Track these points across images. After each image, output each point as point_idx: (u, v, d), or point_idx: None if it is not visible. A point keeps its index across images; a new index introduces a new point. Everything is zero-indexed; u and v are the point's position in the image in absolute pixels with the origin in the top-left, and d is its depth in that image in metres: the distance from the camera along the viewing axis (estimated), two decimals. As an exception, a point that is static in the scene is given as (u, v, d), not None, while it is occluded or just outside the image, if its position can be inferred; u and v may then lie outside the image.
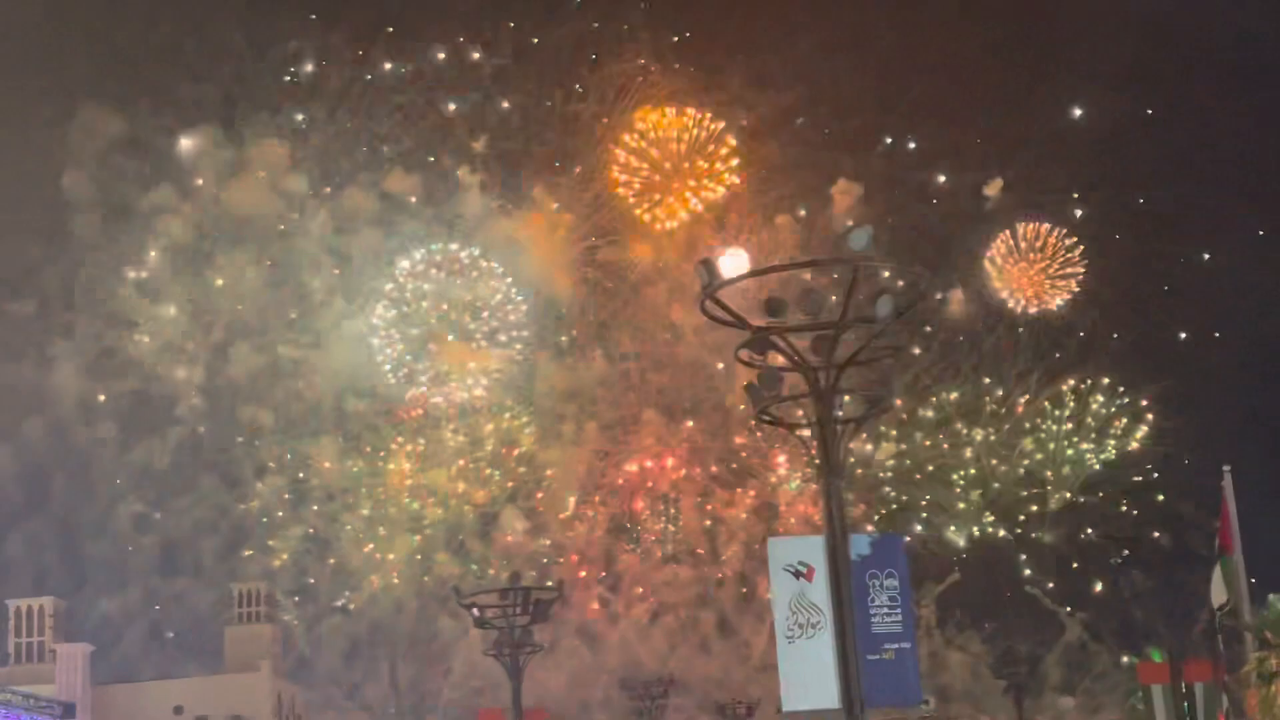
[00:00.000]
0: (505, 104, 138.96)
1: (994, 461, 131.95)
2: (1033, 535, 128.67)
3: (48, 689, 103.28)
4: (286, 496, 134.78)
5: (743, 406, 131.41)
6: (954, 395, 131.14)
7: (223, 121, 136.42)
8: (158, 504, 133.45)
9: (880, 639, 33.99)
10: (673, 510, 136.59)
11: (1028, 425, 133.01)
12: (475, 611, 50.91)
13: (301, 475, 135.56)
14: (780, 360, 33.56)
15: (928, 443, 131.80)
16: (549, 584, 63.25)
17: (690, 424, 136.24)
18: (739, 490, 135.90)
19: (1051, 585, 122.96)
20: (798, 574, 33.91)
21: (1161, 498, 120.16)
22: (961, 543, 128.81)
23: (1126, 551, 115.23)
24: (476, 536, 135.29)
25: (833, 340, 33.37)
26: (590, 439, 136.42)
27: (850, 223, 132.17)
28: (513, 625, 49.22)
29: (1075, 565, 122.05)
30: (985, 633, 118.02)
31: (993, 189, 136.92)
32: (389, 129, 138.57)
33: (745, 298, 34.41)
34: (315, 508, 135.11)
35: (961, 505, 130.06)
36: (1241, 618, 61.19)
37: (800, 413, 34.72)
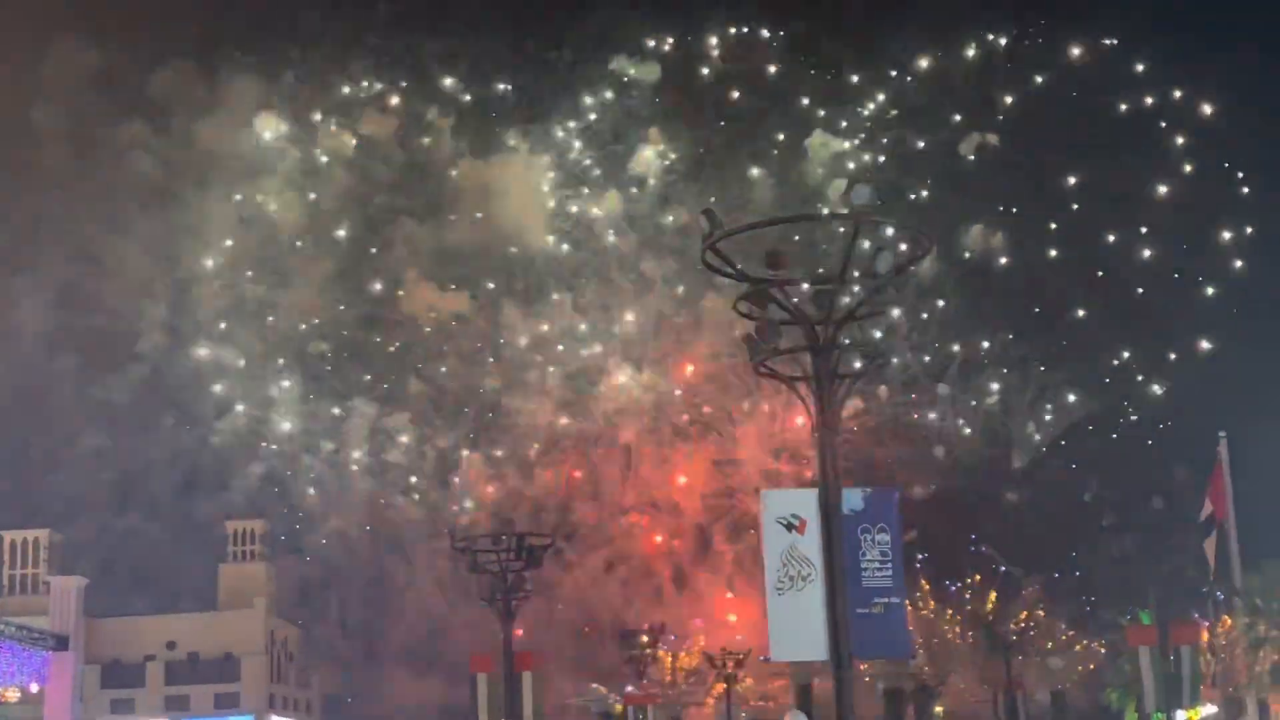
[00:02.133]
0: (480, 48, 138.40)
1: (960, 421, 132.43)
2: (995, 494, 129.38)
3: (41, 621, 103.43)
4: (246, 436, 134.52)
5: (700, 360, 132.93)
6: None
7: (196, 58, 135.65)
8: (116, 439, 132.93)
9: (871, 593, 34.04)
10: (632, 460, 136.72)
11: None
12: (469, 556, 51.02)
13: (262, 415, 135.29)
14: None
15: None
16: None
17: (652, 374, 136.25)
18: (700, 442, 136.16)
19: (1011, 547, 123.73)
20: (790, 526, 33.87)
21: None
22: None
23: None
24: (434, 482, 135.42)
25: (832, 294, 33.38)
26: (554, 388, 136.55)
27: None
28: (506, 571, 49.49)
29: (1035, 527, 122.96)
30: (945, 591, 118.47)
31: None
32: (362, 70, 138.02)
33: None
34: (275, 447, 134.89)
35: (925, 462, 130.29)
36: (1231, 583, 61.86)
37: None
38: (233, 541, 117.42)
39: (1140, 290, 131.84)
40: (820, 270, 33.66)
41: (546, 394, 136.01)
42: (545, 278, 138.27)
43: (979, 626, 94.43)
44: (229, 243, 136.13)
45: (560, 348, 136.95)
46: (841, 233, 33.52)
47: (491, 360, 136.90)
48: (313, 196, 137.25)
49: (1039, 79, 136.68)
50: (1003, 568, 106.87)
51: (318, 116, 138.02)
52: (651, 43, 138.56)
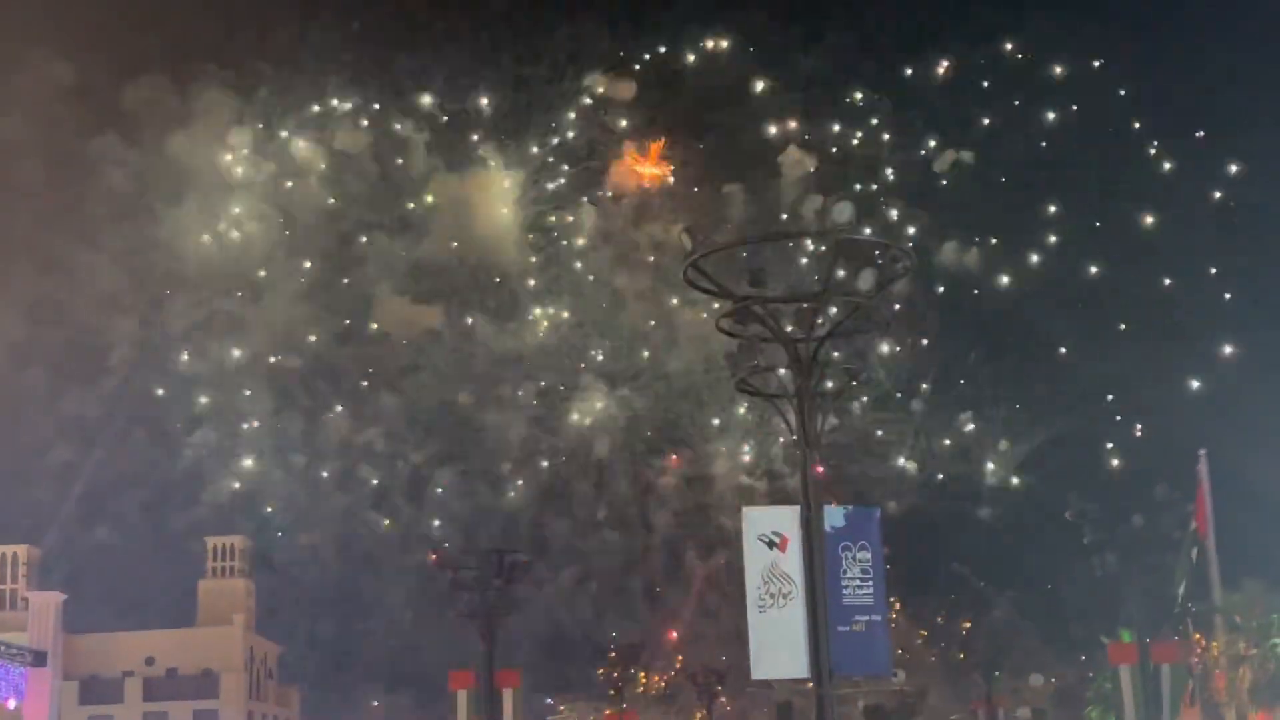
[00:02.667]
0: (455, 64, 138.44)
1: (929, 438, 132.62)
2: (968, 510, 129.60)
3: (19, 636, 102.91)
4: (218, 450, 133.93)
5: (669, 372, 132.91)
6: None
7: (169, 72, 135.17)
8: (86, 453, 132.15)
9: (851, 610, 34.03)
10: (604, 477, 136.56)
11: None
12: (452, 573, 51.09)
13: (234, 429, 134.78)
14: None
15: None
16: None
17: (628, 391, 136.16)
18: (674, 458, 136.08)
19: (985, 562, 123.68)
20: (771, 544, 33.87)
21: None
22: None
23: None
24: (405, 497, 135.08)
25: (813, 312, 33.38)
26: (528, 403, 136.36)
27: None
28: (488, 588, 49.54)
29: (1010, 544, 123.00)
30: (915, 608, 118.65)
31: None
32: (337, 85, 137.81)
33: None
34: (248, 462, 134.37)
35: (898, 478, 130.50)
36: (1212, 601, 62.09)
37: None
38: (212, 557, 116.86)
39: (1122, 325, 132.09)
40: (802, 286, 33.54)
41: (519, 409, 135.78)
42: (519, 292, 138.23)
43: (952, 643, 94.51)
44: (200, 256, 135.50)
45: (533, 363, 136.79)
46: (822, 250, 33.48)
47: (464, 375, 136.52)
48: (285, 211, 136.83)
49: (1017, 102, 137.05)
50: (984, 583, 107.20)
51: (290, 131, 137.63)
52: (628, 59, 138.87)
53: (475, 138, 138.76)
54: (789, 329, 33.02)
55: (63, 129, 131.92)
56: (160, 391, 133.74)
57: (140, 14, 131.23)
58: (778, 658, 33.48)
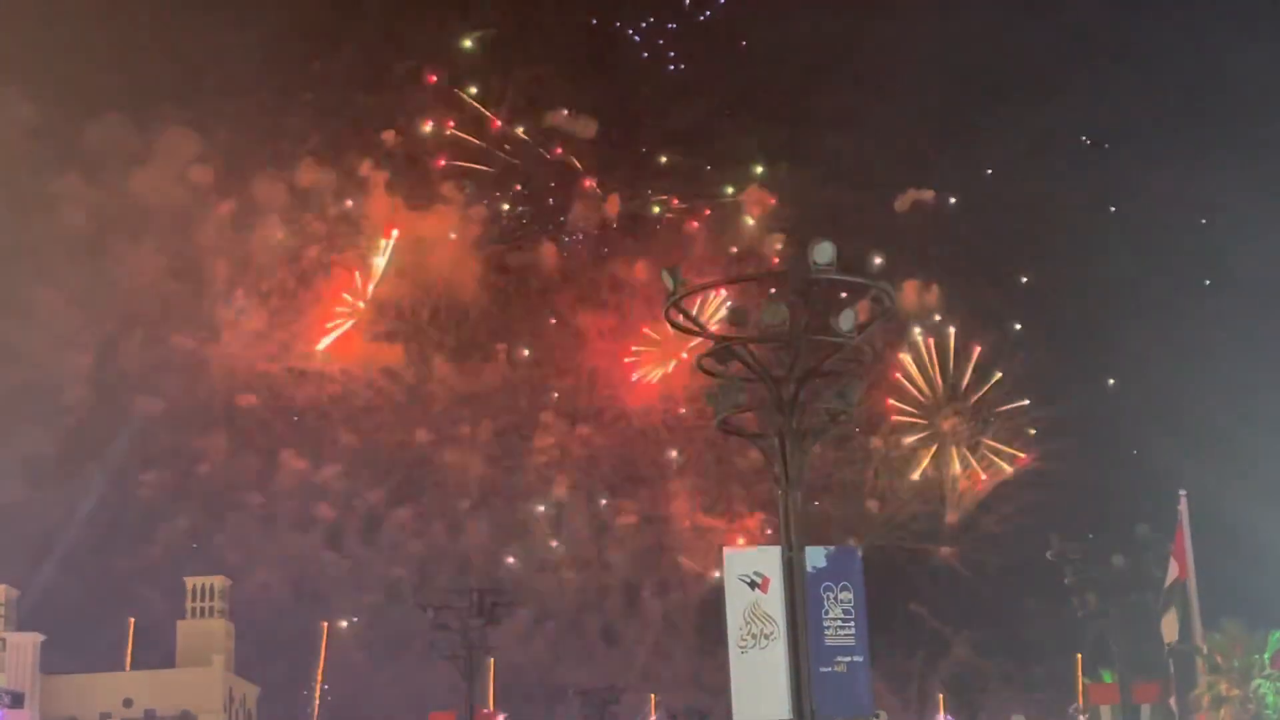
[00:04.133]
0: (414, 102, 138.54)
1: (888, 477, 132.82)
2: (928, 550, 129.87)
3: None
4: (173, 488, 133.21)
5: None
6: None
7: (130, 111, 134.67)
8: (38, 492, 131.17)
9: (833, 651, 33.97)
10: (563, 516, 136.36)
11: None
12: (430, 613, 50.90)
13: (190, 468, 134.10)
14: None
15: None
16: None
17: (587, 429, 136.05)
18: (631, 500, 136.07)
19: (942, 603, 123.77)
20: (753, 585, 33.81)
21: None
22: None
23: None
24: (360, 538, 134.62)
25: (794, 352, 33.39)
26: (486, 442, 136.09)
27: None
28: (468, 627, 49.39)
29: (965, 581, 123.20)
30: (881, 648, 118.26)
31: None
32: (298, 124, 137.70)
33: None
34: (203, 501, 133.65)
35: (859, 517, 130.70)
36: (1193, 641, 62.20)
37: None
38: (191, 598, 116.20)
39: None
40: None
41: (477, 448, 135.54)
42: (478, 330, 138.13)
43: (923, 683, 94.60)
44: (158, 295, 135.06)
45: (492, 401, 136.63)
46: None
47: (422, 414, 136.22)
48: (244, 249, 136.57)
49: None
50: (948, 624, 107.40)
51: (250, 170, 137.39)
52: (589, 99, 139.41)
53: (435, 174, 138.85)
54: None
55: (23, 167, 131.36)
56: (117, 431, 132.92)
57: (102, 54, 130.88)
58: (759, 699, 33.36)
